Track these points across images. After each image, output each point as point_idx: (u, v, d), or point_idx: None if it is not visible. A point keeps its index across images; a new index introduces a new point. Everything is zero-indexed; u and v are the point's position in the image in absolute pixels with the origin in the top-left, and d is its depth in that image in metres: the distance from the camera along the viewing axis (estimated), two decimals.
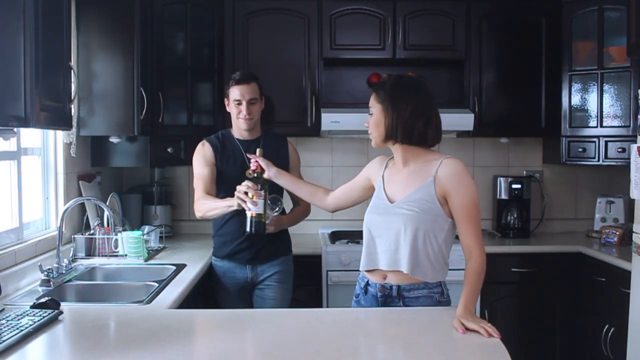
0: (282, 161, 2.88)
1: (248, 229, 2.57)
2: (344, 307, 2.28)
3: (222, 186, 2.91)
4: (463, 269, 2.07)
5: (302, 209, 3.02)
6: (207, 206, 2.82)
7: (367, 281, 2.22)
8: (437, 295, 2.15)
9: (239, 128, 2.94)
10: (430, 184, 2.08)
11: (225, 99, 2.95)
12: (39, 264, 2.66)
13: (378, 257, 2.16)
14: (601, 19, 3.68)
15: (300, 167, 3.06)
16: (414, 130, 2.10)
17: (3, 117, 2.02)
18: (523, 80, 3.90)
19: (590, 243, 3.74)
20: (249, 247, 2.92)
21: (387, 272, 2.15)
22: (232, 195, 2.62)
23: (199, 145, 2.98)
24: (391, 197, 2.16)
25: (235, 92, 2.87)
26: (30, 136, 2.99)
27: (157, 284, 2.58)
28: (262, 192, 2.55)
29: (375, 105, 2.16)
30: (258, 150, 2.67)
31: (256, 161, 2.61)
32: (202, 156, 2.94)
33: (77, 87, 3.07)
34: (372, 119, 2.17)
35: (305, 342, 1.83)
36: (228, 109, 2.95)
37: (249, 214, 2.56)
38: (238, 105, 2.88)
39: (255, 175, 2.60)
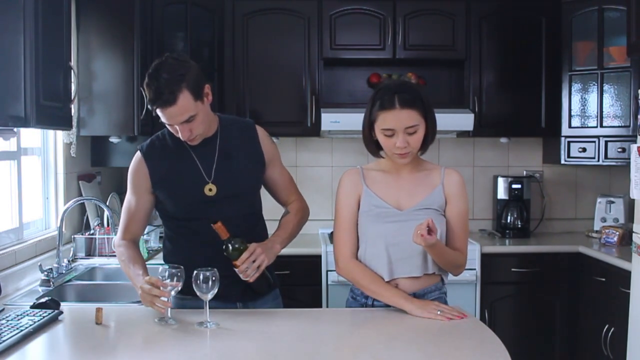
0: (254, 158, 2.22)
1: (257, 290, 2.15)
2: (343, 307, 2.27)
3: (175, 205, 2.16)
4: None
5: (298, 208, 2.33)
6: (123, 267, 2.20)
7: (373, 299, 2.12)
8: (444, 295, 2.18)
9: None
10: (440, 191, 2.12)
11: None
12: (39, 264, 2.66)
13: (397, 264, 2.08)
14: (601, 19, 3.68)
15: (280, 158, 2.33)
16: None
17: (3, 117, 2.02)
18: (523, 80, 3.90)
19: (590, 243, 3.73)
20: (238, 281, 2.11)
21: (399, 280, 2.10)
22: (188, 212, 2.13)
23: (134, 159, 2.20)
24: (397, 204, 2.11)
25: (160, 115, 2.05)
26: (30, 136, 3.00)
27: None
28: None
29: (421, 122, 2.03)
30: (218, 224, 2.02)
31: (220, 226, 2.01)
32: (134, 176, 2.17)
33: (77, 87, 3.06)
34: (415, 137, 2.03)
35: (305, 342, 1.83)
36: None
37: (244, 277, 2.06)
38: (170, 126, 2.08)
39: (233, 246, 2.03)
